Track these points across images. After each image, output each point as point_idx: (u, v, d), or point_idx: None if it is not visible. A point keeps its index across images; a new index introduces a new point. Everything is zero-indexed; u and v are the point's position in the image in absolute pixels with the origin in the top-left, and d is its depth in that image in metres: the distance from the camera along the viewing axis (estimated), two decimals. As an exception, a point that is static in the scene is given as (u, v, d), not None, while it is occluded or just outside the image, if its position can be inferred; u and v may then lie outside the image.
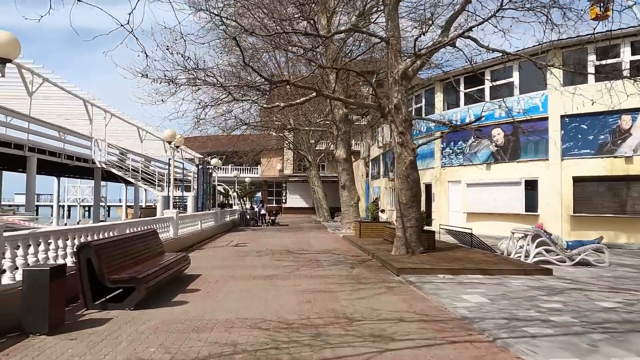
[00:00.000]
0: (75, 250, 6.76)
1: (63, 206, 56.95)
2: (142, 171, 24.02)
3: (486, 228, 20.91)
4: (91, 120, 22.16)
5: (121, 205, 49.00)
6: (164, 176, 26.85)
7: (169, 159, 15.15)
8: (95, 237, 8.45)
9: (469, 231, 14.60)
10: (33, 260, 6.66)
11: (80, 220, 43.43)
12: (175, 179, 26.69)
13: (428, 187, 24.86)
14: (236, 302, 7.31)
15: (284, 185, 54.13)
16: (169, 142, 14.22)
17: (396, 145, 12.54)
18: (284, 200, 54.04)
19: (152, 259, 8.68)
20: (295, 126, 24.52)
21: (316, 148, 36.94)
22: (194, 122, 15.29)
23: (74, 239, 7.84)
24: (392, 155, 31.99)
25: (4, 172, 23.25)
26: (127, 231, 10.37)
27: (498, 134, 20.91)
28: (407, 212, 12.30)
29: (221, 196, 61.52)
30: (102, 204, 46.28)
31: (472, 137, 21.79)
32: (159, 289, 7.77)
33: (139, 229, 10.93)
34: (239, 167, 47.73)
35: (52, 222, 33.40)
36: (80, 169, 22.93)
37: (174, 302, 7.24)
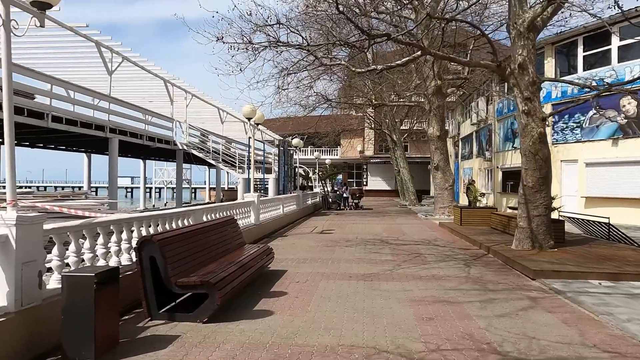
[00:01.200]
0: (136, 246, 5.41)
1: (151, 189, 59.44)
2: (222, 153, 23.27)
3: (609, 215, 17.63)
4: (172, 101, 21.63)
5: (205, 188, 49.86)
6: (244, 158, 26.06)
7: (249, 138, 13.86)
8: (165, 228, 7.16)
9: (606, 220, 11.86)
10: (89, 257, 5.41)
11: (167, 202, 44.62)
12: (255, 161, 25.81)
13: (534, 167, 21.74)
14: (334, 314, 5.63)
15: (365, 167, 52.24)
16: (249, 119, 12.89)
17: (520, 114, 10.14)
18: (364, 183, 52.22)
19: (230, 254, 7.24)
20: (381, 102, 22.43)
21: (400, 128, 34.57)
22: (275, 93, 13.71)
23: (142, 227, 6.58)
24: (488, 133, 28.86)
25: (91, 155, 23.52)
26: (204, 218, 9.11)
27: (629, 103, 17.42)
28: (534, 197, 9.93)
29: (301, 178, 61.15)
30: (187, 186, 47.30)
31: (593, 108, 18.42)
32: (239, 292, 6.30)
33: (216, 216, 9.64)
34: (319, 148, 46.47)
35: (135, 208, 34.21)
36: (162, 151, 22.63)
37: (256, 313, 5.70)
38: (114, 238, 5.99)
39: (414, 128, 42.58)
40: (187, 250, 5.86)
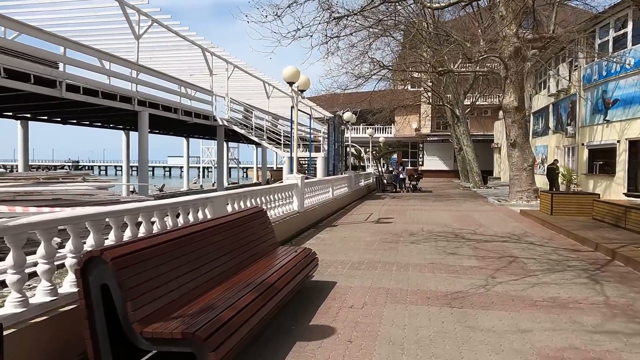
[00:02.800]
0: (78, 267, 3.20)
1: (203, 168, 58.81)
2: (267, 130, 21.19)
3: None
4: (211, 72, 19.67)
5: (252, 167, 48.38)
6: (301, 138, 23.87)
7: (292, 108, 11.52)
8: (160, 226, 4.95)
9: None
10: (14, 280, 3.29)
11: (215, 183, 43.42)
12: (302, 139, 23.54)
13: (634, 144, 18.13)
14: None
15: (421, 145, 48.89)
16: (291, 84, 10.55)
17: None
18: (420, 162, 48.94)
19: (252, 265, 4.98)
20: (447, 69, 19.35)
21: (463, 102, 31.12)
22: (321, 42, 11.21)
23: (124, 226, 4.41)
24: (570, 105, 24.99)
25: (129, 132, 22.04)
26: (230, 209, 6.92)
27: None
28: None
29: (354, 158, 58.63)
30: (235, 165, 45.90)
31: None
32: (257, 332, 4.03)
33: (244, 205, 7.41)
34: (372, 126, 43.60)
35: (178, 189, 32.99)
36: (201, 127, 20.77)
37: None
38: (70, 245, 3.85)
39: (476, 103, 38.79)
40: (168, 270, 3.61)
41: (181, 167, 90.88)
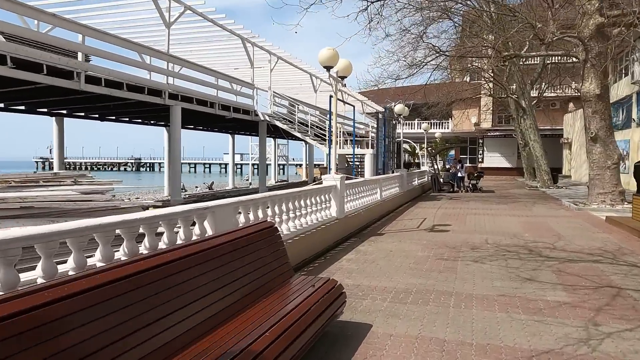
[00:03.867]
0: None
1: (253, 165, 58.17)
2: (312, 125, 19.76)
3: None
4: (252, 64, 18.46)
5: (301, 165, 47.14)
6: (343, 133, 22.35)
7: (330, 97, 9.96)
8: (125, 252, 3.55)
9: None
10: None
11: (277, 182, 42.73)
12: (349, 134, 21.91)
13: None
14: None
15: (481, 141, 45.78)
16: (328, 69, 8.98)
17: None
18: (479, 159, 45.88)
19: (248, 309, 3.48)
20: (514, 53, 16.95)
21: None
22: (360, 9, 9.52)
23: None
24: (662, 92, 21.73)
25: (148, 125, 21.19)
26: (242, 219, 5.51)
27: None
28: None
29: (407, 155, 56.09)
30: (284, 162, 44.94)
31: None
32: None
33: (261, 215, 5.94)
34: (427, 121, 41.08)
35: (224, 187, 32.29)
36: (242, 123, 19.62)
37: None
38: None
39: (544, 95, 35.43)
40: (97, 333, 2.16)
41: (236, 165, 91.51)
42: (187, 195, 20.09)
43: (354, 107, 15.52)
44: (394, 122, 19.23)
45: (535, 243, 8.92)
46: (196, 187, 39.47)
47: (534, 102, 30.39)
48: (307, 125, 20.18)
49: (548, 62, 29.04)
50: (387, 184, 15.26)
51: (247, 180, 51.48)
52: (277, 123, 19.06)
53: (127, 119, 18.74)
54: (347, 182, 10.43)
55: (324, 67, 9.06)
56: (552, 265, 7.04)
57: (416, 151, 40.63)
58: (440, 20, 17.71)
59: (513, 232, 10.31)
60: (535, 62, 33.75)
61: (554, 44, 16.42)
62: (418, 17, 17.68)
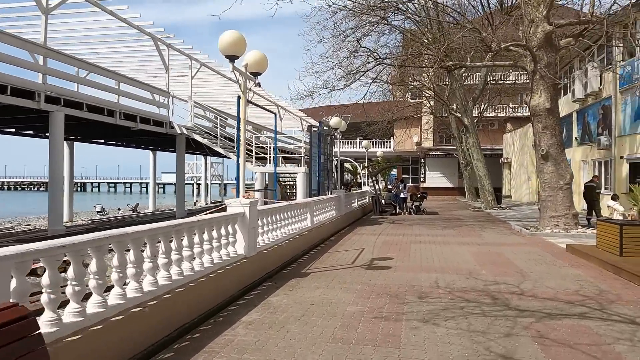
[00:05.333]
0: None
1: (193, 184, 54.47)
2: (238, 140, 17.45)
3: None
4: (167, 68, 15.98)
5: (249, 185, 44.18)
6: (281, 150, 20.12)
7: (238, 98, 7.74)
8: None
9: None
10: None
11: (211, 203, 39.60)
12: (282, 151, 19.75)
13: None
14: None
15: (422, 160, 45.13)
16: (232, 59, 6.78)
17: None
18: (421, 179, 45.14)
19: None
20: (458, 62, 15.53)
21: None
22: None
23: None
24: (601, 111, 21.25)
25: (74, 143, 18.13)
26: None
27: None
28: None
29: (349, 174, 54.66)
30: (218, 182, 41.99)
31: None
32: None
33: (94, 269, 3.55)
34: (367, 139, 39.72)
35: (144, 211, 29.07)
36: (158, 136, 16.88)
37: None
38: None
39: (483, 115, 35.12)
40: None
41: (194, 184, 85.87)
42: (90, 221, 17.01)
43: (275, 114, 13.38)
44: (330, 137, 17.28)
45: (497, 285, 7.02)
46: (119, 209, 35.78)
47: (476, 120, 29.73)
48: (232, 140, 17.83)
49: (490, 79, 28.51)
50: (321, 208, 13.16)
51: (195, 202, 48.12)
52: (197, 137, 16.56)
53: (13, 130, 15.54)
54: (262, 207, 8.19)
55: (227, 56, 6.83)
56: (528, 325, 5.09)
57: (358, 170, 39.11)
58: (379, 24, 16.10)
59: (467, 268, 8.42)
60: (476, 82, 33.44)
61: (501, 53, 15.17)
62: (356, 22, 16.01)
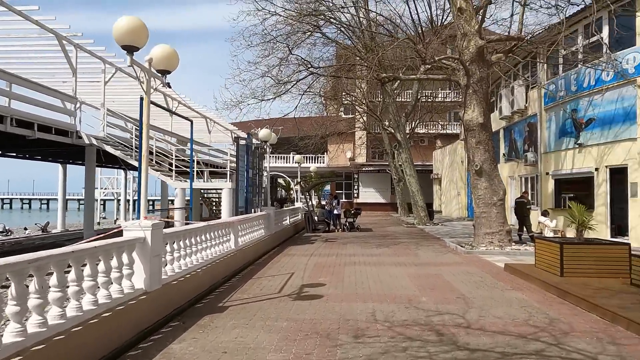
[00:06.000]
0: None
1: (118, 200, 50.68)
2: (158, 153, 15.89)
3: None
4: (74, 71, 14.20)
5: (172, 201, 41.52)
6: (209, 164, 18.66)
7: (140, 99, 6.47)
8: None
9: None
10: None
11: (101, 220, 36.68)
12: (206, 164, 18.36)
13: (617, 172, 14.77)
14: None
15: (356, 176, 45.01)
16: (130, 50, 5.49)
17: None
18: (355, 195, 44.97)
19: None
20: (392, 75, 15.10)
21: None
22: None
23: None
24: (527, 128, 21.80)
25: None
26: None
27: None
28: None
29: (282, 190, 53.49)
30: (129, 198, 39.09)
31: None
32: None
33: None
34: (300, 154, 38.95)
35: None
36: (57, 146, 14.79)
37: None
38: None
39: (415, 130, 35.59)
40: None
41: (105, 200, 79.87)
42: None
43: (191, 121, 12.10)
44: (260, 150, 16.18)
45: (441, 316, 6.22)
46: (25, 228, 32.21)
47: (408, 136, 29.88)
48: (150, 153, 16.22)
49: (421, 94, 28.77)
50: (248, 227, 11.97)
51: (104, 218, 44.65)
52: (109, 148, 14.80)
53: None
54: (171, 230, 6.92)
55: (123, 47, 5.59)
56: (483, 371, 4.26)
57: (291, 186, 38.15)
58: (312, 33, 15.35)
59: (406, 294, 7.60)
60: (408, 99, 33.84)
61: (435, 67, 14.90)
62: (287, 30, 15.16)
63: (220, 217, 16.95)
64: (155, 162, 15.81)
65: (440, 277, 9.14)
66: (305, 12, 14.36)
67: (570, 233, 15.62)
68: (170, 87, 6.86)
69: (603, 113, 15.23)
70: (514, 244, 13.41)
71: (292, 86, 15.44)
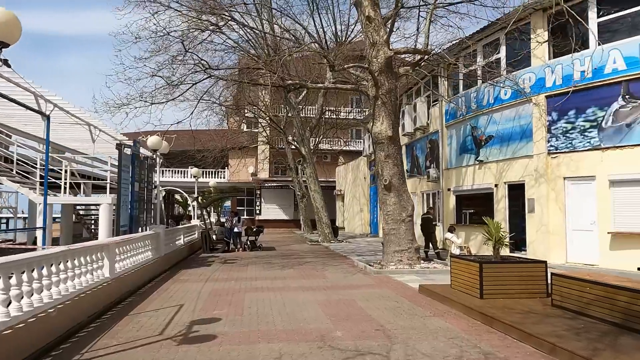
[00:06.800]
0: None
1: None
2: (19, 162, 13.26)
3: None
4: None
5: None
6: (91, 179, 16.03)
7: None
8: None
9: None
10: None
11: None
12: (83, 176, 15.89)
13: (516, 189, 15.12)
14: None
15: (258, 192, 43.46)
16: None
17: None
18: (257, 211, 43.35)
19: None
20: (299, 82, 14.05)
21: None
22: None
23: None
24: (429, 145, 22.11)
25: None
26: None
27: (685, 88, 11.33)
28: None
29: (180, 207, 50.18)
30: (9, 215, 34.08)
31: (621, 99, 12.21)
32: None
33: None
34: (199, 167, 36.59)
35: None
36: None
37: None
38: None
39: (318, 146, 35.20)
40: None
41: None
42: None
43: (47, 117, 9.99)
44: (150, 161, 14.24)
45: (362, 357, 5.13)
46: None
47: (312, 151, 29.24)
48: (14, 162, 13.50)
49: (325, 108, 28.35)
50: (130, 250, 10.08)
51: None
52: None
53: None
54: (4, 260, 5.08)
55: None
56: None
57: (188, 202, 35.61)
58: (213, 32, 13.89)
59: (318, 329, 6.43)
60: (312, 114, 33.39)
61: (341, 80, 14.20)
62: (183, 27, 13.56)
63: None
64: (17, 172, 13.14)
65: (353, 304, 8.12)
66: (204, 9, 12.91)
67: (474, 249, 15.79)
68: (9, 66, 5.09)
69: (502, 130, 15.60)
70: (422, 261, 12.95)
71: (187, 89, 13.80)
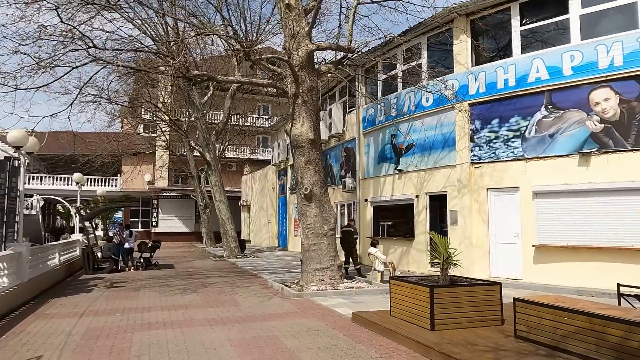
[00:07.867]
0: None
1: None
2: None
3: (573, 274, 11.08)
4: None
5: None
6: None
7: None
8: None
9: None
10: None
11: None
12: None
13: (437, 199, 14.44)
14: None
15: (155, 202, 39.75)
16: None
17: None
18: (154, 223, 39.59)
19: None
20: (205, 73, 11.99)
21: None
22: None
23: None
24: (344, 154, 21.03)
25: None
26: None
27: (605, 100, 11.27)
28: None
29: (63, 219, 44.41)
30: None
31: (544, 108, 11.96)
32: None
33: None
34: (84, 173, 32.33)
35: None
36: None
37: None
38: None
39: (224, 153, 32.91)
40: None
41: None
42: None
43: None
44: (11, 162, 11.31)
45: None
46: None
47: (217, 157, 26.92)
48: None
49: (233, 112, 26.34)
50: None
51: None
52: None
53: None
54: None
55: None
56: None
57: (71, 213, 31.22)
58: (100, 6, 11.38)
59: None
60: (217, 120, 31.10)
61: (261, 63, 12.48)
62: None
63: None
64: None
65: (277, 343, 6.42)
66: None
67: (400, 265, 14.85)
68: None
69: (423, 139, 14.92)
70: (345, 280, 11.58)
71: (65, 74, 11.12)
